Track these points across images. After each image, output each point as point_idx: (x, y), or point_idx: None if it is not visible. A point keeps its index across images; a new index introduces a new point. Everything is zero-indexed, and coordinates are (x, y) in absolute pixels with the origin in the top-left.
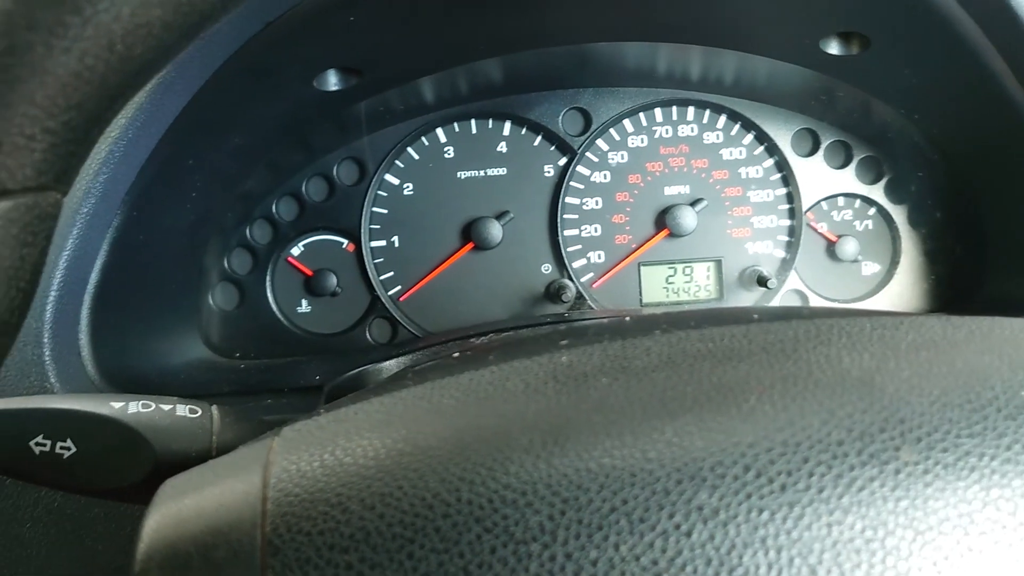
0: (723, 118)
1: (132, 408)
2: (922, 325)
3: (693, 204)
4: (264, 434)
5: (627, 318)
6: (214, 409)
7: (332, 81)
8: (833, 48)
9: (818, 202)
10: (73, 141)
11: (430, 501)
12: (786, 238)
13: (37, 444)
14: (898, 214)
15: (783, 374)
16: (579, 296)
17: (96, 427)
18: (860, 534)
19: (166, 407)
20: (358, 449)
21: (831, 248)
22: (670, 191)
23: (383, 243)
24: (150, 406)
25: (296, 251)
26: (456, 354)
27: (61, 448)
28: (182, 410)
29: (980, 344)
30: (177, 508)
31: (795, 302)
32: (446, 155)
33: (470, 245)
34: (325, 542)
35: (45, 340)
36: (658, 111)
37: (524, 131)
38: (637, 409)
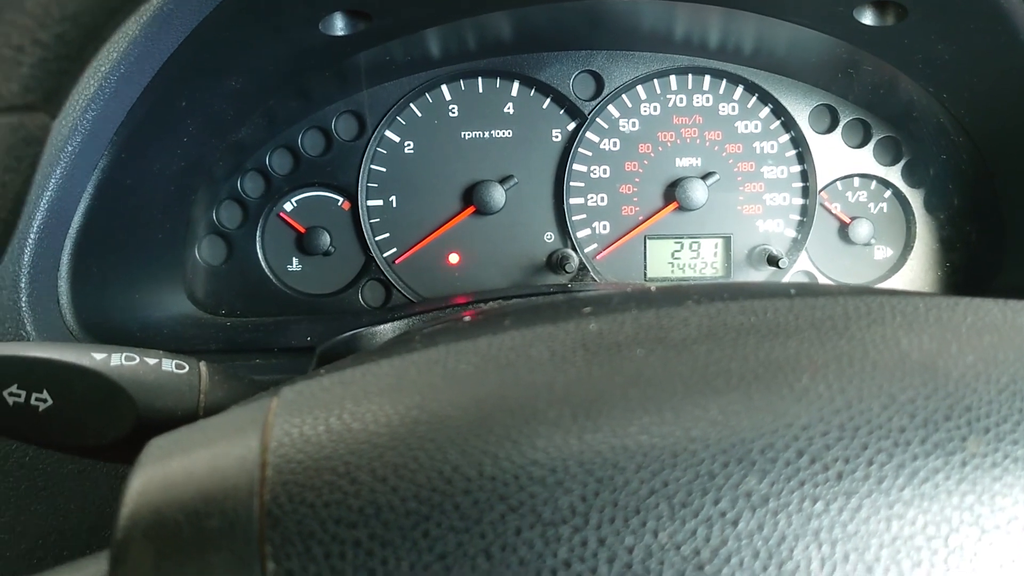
0: (740, 89)
1: (115, 360)
2: (980, 307)
3: (704, 177)
4: (257, 394)
5: (652, 287)
6: (202, 366)
7: (339, 25)
8: (867, 17)
9: (833, 181)
10: (66, 57)
11: (449, 475)
12: (798, 217)
13: (11, 395)
14: (914, 198)
15: (837, 353)
16: (582, 267)
17: (75, 379)
18: (922, 530)
19: (151, 361)
20: (367, 414)
21: (844, 230)
22: (681, 163)
23: (380, 202)
24: (134, 359)
25: (289, 207)
26: (467, 318)
27: (37, 400)
28: (168, 365)
29: None
30: (165, 470)
31: None
32: (450, 114)
33: (471, 209)
34: (331, 515)
35: (22, 285)
36: (673, 78)
37: (533, 92)
38: (677, 384)
